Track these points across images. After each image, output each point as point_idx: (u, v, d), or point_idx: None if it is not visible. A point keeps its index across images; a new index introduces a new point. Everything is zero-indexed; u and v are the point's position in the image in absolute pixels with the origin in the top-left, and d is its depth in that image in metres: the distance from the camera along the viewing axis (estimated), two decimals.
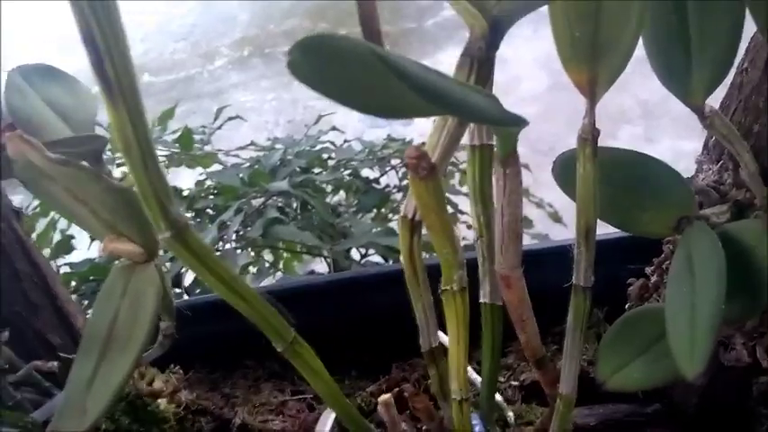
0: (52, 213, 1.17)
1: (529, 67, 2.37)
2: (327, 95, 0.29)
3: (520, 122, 0.32)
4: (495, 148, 0.40)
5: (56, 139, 0.44)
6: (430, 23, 3.11)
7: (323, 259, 1.19)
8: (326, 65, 0.29)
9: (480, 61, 0.35)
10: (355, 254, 1.17)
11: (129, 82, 0.29)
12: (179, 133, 1.21)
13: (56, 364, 0.52)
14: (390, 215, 1.25)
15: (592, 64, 0.38)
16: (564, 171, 0.43)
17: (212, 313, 0.61)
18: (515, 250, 0.40)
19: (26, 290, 0.52)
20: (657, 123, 2.20)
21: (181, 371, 0.58)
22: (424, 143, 0.38)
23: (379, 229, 1.12)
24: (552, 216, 1.22)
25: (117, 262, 1.13)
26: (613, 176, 0.43)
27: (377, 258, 1.14)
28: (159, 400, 0.54)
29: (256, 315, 0.37)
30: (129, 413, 0.53)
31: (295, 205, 1.19)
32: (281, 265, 1.21)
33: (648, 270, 0.52)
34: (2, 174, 0.40)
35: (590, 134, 0.38)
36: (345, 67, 0.29)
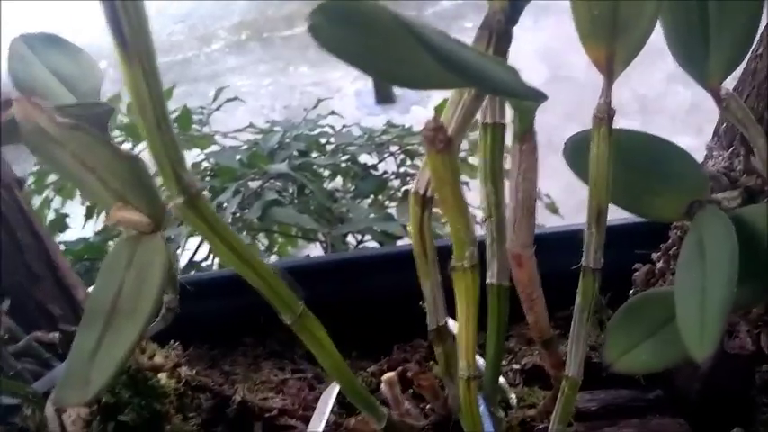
0: (46, 192, 1.17)
1: (528, 58, 2.37)
2: (347, 61, 0.29)
3: (539, 96, 0.32)
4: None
5: (62, 105, 0.43)
6: (429, 12, 3.11)
7: (318, 244, 1.18)
8: (348, 29, 0.28)
9: (499, 34, 0.35)
10: (351, 240, 1.17)
11: (144, 40, 0.29)
12: (177, 113, 1.20)
13: (57, 335, 0.51)
14: (387, 202, 1.24)
15: (610, 41, 0.37)
16: (575, 152, 0.43)
17: (212, 290, 0.61)
18: (528, 228, 0.40)
19: (27, 260, 0.51)
20: (653, 119, 2.20)
21: (180, 347, 0.58)
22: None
23: (376, 215, 1.12)
24: (550, 207, 1.22)
25: (111, 242, 1.12)
26: (625, 159, 0.42)
27: (373, 245, 1.13)
28: (160, 375, 0.54)
29: (266, 286, 0.36)
30: (129, 386, 0.52)
31: (291, 189, 1.19)
32: (275, 249, 1.20)
33: (655, 256, 0.52)
34: (9, 138, 0.39)
35: (605, 113, 0.38)
36: (367, 32, 0.29)
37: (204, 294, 0.55)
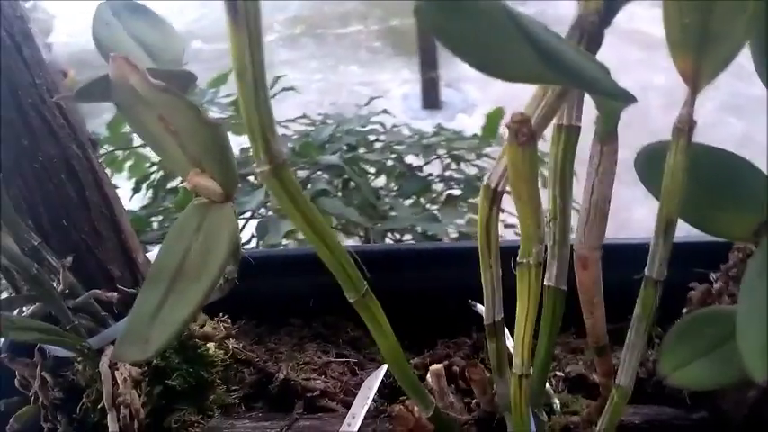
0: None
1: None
2: (447, 45, 0.29)
3: (630, 98, 0.32)
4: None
5: (150, 68, 0.45)
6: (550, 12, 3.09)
7: (358, 239, 1.19)
8: (452, 14, 0.29)
9: (590, 35, 0.35)
10: (391, 238, 1.17)
11: (254, 9, 0.30)
12: (233, 97, 1.22)
13: (115, 294, 0.52)
14: (429, 205, 1.25)
15: (698, 53, 0.37)
16: (647, 164, 0.43)
17: (265, 269, 0.62)
18: (599, 231, 0.40)
19: (94, 219, 0.53)
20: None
21: (229, 320, 0.59)
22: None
23: (418, 215, 1.12)
24: None
25: (153, 218, 1.13)
26: (697, 173, 0.42)
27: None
28: (209, 345, 0.55)
29: (336, 262, 0.37)
30: (179, 353, 0.53)
31: (336, 182, 1.20)
32: None
33: (713, 276, 0.51)
34: (100, 96, 0.40)
35: (687, 125, 0.38)
36: (471, 18, 0.29)
37: (257, 272, 0.55)
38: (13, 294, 0.51)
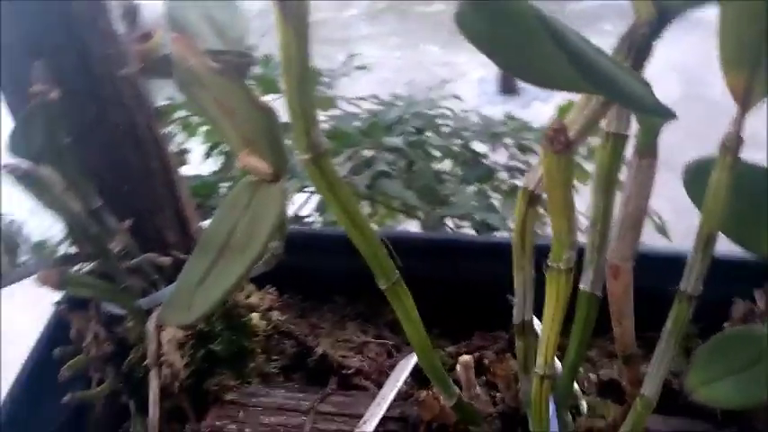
0: (171, 126, 1.23)
1: (662, 70, 2.29)
2: (483, 50, 0.30)
3: (668, 115, 0.32)
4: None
5: (211, 50, 0.47)
6: (569, 10, 3.04)
7: (416, 222, 1.20)
8: (492, 23, 0.29)
9: (640, 48, 0.35)
10: (449, 223, 1.18)
11: (302, 7, 0.31)
12: None
13: (168, 259, 0.55)
14: (491, 192, 1.24)
15: (751, 71, 0.37)
16: (694, 178, 0.43)
17: (313, 246, 0.64)
18: (632, 242, 0.40)
19: (153, 187, 0.56)
20: None
21: (276, 293, 0.61)
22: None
23: (478, 203, 1.12)
24: (658, 228, 1.19)
25: (223, 183, 1.17)
26: (742, 190, 0.42)
27: (471, 231, 1.14)
28: (253, 315, 0.58)
29: (369, 250, 0.38)
30: (224, 320, 0.56)
31: (401, 164, 1.20)
32: (375, 218, 1.23)
33: (756, 294, 0.50)
34: (161, 73, 0.43)
35: (734, 143, 0.38)
36: (508, 25, 0.30)
37: (305, 248, 0.57)
38: (74, 252, 0.54)
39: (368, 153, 1.13)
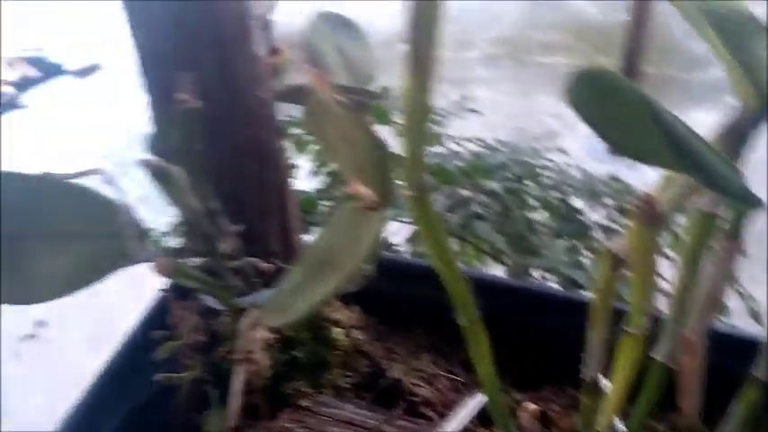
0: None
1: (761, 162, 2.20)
2: (586, 120, 0.33)
3: (756, 203, 0.34)
4: None
5: (341, 84, 0.51)
6: (695, 77, 2.97)
7: (502, 267, 1.21)
8: (600, 100, 0.32)
9: (741, 136, 0.37)
10: (535, 274, 1.18)
11: (429, 63, 0.34)
12: None
13: (269, 266, 0.60)
14: (583, 250, 1.24)
15: None
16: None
17: (403, 274, 0.67)
18: (707, 319, 0.41)
19: (268, 196, 0.60)
20: None
21: (360, 312, 0.64)
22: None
23: (568, 259, 1.13)
24: (751, 312, 1.15)
25: (323, 201, 1.21)
26: None
27: (555, 286, 1.14)
28: (336, 329, 0.61)
29: (455, 287, 0.41)
30: (309, 330, 0.60)
31: (496, 208, 1.22)
32: (463, 258, 1.25)
33: None
34: (293, 99, 0.47)
35: None
36: (611, 102, 0.32)
37: (392, 275, 0.60)
38: (183, 245, 0.59)
39: (465, 193, 1.16)
